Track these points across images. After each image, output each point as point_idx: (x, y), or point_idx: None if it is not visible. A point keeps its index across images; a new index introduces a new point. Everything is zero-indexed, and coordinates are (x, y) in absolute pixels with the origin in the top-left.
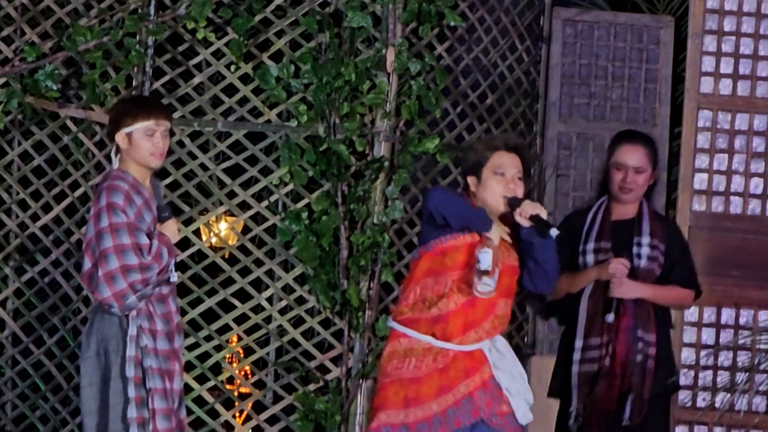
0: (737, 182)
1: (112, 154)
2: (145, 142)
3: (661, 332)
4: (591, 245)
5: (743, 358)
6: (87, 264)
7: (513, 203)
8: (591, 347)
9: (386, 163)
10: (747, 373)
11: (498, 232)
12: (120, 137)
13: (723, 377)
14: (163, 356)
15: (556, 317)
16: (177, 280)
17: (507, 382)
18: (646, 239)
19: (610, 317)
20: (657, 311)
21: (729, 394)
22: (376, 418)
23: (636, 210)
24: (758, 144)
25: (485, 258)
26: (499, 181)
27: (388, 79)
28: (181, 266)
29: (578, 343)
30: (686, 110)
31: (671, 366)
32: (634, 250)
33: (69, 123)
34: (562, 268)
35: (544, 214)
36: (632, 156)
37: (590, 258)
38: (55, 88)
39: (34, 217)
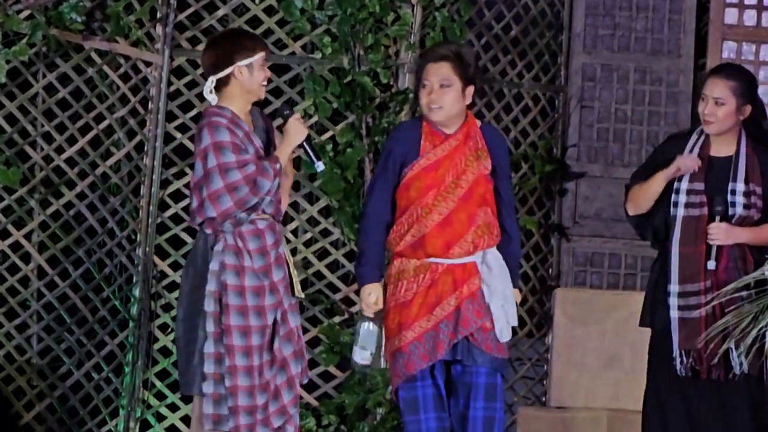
0: None
1: (208, 92)
2: (260, 72)
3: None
4: (684, 184)
5: None
6: (194, 202)
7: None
8: (689, 293)
9: (410, 95)
10: None
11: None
12: (238, 71)
13: None
14: (252, 293)
15: (649, 237)
16: (323, 169)
17: (491, 296)
18: (740, 186)
19: (711, 264)
20: (759, 254)
21: None
22: (387, 350)
23: (734, 147)
24: None
25: (365, 338)
26: (423, 94)
27: (413, 11)
28: None
29: (674, 288)
30: (711, 41)
31: None
32: (729, 197)
33: (93, 55)
34: (637, 181)
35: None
36: (712, 87)
37: (682, 198)
38: (79, 20)
39: (59, 150)
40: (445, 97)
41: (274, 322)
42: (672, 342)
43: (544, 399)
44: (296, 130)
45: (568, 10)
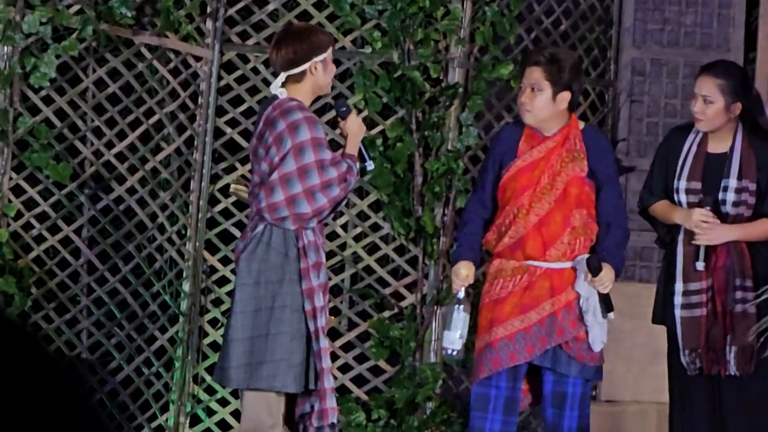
0: None
1: (278, 87)
2: (332, 67)
3: (763, 272)
4: (683, 183)
5: None
6: (279, 196)
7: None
8: (691, 292)
9: (460, 90)
10: None
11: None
12: (313, 66)
13: None
14: (321, 291)
15: (659, 232)
16: (372, 167)
17: (587, 306)
18: (732, 182)
19: (700, 265)
20: (756, 250)
21: None
22: (476, 346)
23: (730, 143)
24: None
25: (457, 320)
26: (519, 96)
27: (463, 5)
28: None
29: (678, 287)
30: (761, 35)
31: None
32: (720, 195)
33: (143, 50)
34: (657, 191)
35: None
36: (700, 85)
37: (683, 197)
38: (129, 14)
39: (109, 145)
40: (535, 101)
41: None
42: (678, 341)
43: (594, 393)
44: (359, 127)
45: (617, 4)
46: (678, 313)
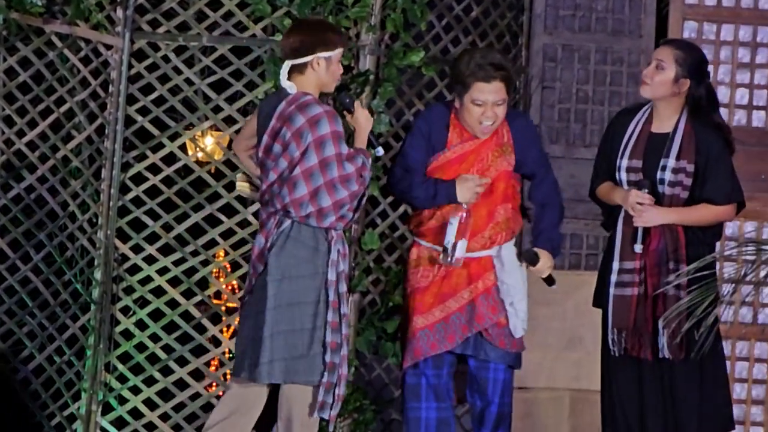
0: (723, 93)
1: (284, 79)
2: (338, 66)
3: (697, 257)
4: (624, 162)
5: (729, 269)
6: (303, 190)
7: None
8: (624, 271)
9: (371, 77)
10: (733, 285)
11: (466, 187)
12: (316, 62)
13: None
14: (344, 280)
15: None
16: (383, 153)
17: (506, 293)
18: (671, 162)
19: (638, 247)
20: (693, 234)
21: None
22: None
23: (674, 123)
24: (743, 55)
25: (450, 231)
26: (476, 112)
27: None
28: (166, 181)
29: (615, 265)
30: (672, 21)
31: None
32: (658, 174)
33: (54, 39)
34: (602, 173)
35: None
36: (658, 51)
37: (623, 176)
38: (40, 3)
39: (20, 133)
40: (498, 111)
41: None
42: (608, 320)
43: None
44: (366, 119)
45: None
46: (612, 291)
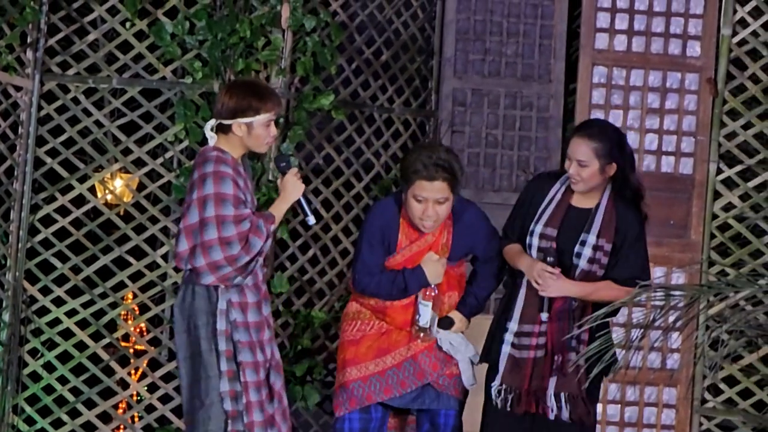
0: (632, 138)
1: (209, 130)
2: (263, 131)
3: (599, 327)
4: (539, 228)
5: (638, 314)
6: (183, 245)
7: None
8: (524, 334)
9: (281, 120)
10: (642, 330)
11: (433, 269)
12: (237, 126)
13: (618, 334)
14: (254, 328)
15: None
16: (314, 222)
17: (448, 346)
18: (591, 238)
19: (544, 316)
20: (596, 305)
21: (624, 351)
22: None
23: (597, 200)
24: (653, 100)
25: (424, 312)
26: (417, 208)
27: (283, 36)
28: (75, 223)
29: (512, 326)
30: (581, 66)
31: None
32: (577, 248)
33: None
34: (513, 235)
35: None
36: (575, 148)
37: (535, 241)
38: None
39: None
40: (440, 210)
41: (271, 355)
42: (497, 373)
43: None
44: (294, 187)
45: (438, 35)
46: (506, 349)
